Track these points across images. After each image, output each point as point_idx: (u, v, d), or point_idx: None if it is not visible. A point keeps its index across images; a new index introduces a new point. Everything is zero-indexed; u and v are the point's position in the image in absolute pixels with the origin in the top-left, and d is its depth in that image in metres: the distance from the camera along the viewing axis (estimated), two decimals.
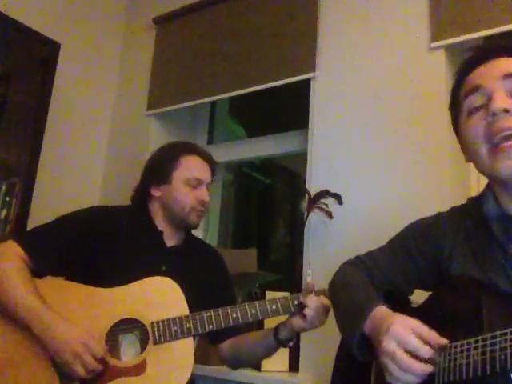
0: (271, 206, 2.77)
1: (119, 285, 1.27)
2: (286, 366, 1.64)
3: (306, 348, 1.63)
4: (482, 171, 0.85)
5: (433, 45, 1.56)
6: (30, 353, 1.20)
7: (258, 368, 1.62)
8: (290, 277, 1.89)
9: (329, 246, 1.65)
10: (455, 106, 0.92)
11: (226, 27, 2.14)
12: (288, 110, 2.34)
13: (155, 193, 1.45)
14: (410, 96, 1.61)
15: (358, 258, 1.08)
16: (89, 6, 2.39)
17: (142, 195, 1.49)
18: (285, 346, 1.33)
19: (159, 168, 1.46)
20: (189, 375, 1.23)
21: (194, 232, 1.57)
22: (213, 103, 2.52)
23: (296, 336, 1.34)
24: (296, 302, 1.25)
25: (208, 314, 1.25)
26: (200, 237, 2.24)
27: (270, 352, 1.39)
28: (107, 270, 1.31)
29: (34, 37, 2.04)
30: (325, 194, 1.64)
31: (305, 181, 1.79)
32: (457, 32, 1.52)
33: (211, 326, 1.24)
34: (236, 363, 1.47)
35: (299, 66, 1.87)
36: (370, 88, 1.71)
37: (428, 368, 0.75)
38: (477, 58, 0.88)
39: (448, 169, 1.48)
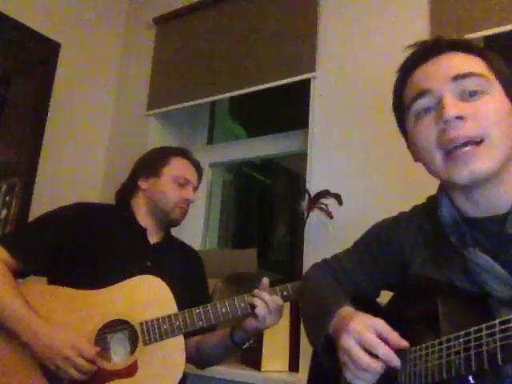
0: (271, 205, 2.77)
1: (105, 282, 1.26)
2: (285, 366, 1.64)
3: (306, 348, 1.62)
4: (436, 176, 0.82)
5: None
6: (19, 360, 1.18)
7: (257, 368, 1.62)
8: (290, 277, 1.88)
9: (329, 246, 1.64)
10: (399, 108, 0.88)
11: (226, 27, 2.14)
12: (288, 110, 2.34)
13: (142, 185, 1.48)
14: None
15: (324, 261, 1.08)
16: (89, 6, 2.38)
17: (127, 189, 1.52)
18: (241, 348, 1.33)
19: (150, 162, 1.52)
20: (181, 374, 1.22)
21: (195, 231, 1.57)
22: (213, 103, 2.51)
23: (253, 337, 1.33)
24: (245, 302, 1.25)
25: (197, 310, 1.24)
26: (200, 236, 2.25)
27: (229, 353, 1.40)
28: (92, 266, 1.30)
29: (34, 37, 2.04)
30: (325, 194, 1.64)
31: (305, 181, 1.79)
32: (457, 32, 1.52)
33: (201, 323, 1.24)
34: (200, 362, 1.45)
35: (299, 66, 1.87)
36: (370, 88, 1.71)
37: (383, 366, 0.75)
38: (421, 54, 0.84)
39: None
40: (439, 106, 0.77)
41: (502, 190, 0.77)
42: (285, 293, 1.27)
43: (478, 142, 0.74)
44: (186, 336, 1.37)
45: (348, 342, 0.76)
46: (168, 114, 2.29)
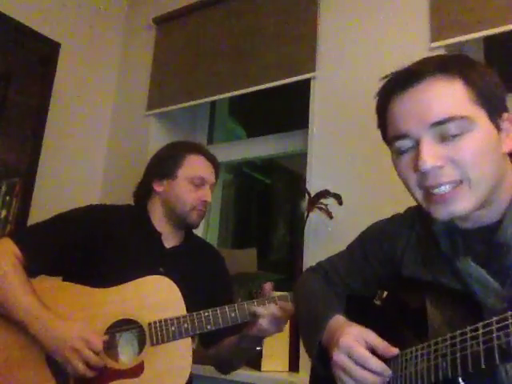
0: (271, 206, 2.77)
1: (116, 286, 1.25)
2: (286, 366, 1.64)
3: None
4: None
5: (433, 45, 1.56)
6: (26, 354, 1.19)
7: (258, 368, 1.62)
8: (290, 277, 1.88)
9: (329, 246, 1.64)
10: (384, 127, 0.89)
11: (226, 27, 2.14)
12: (288, 110, 2.34)
13: (158, 188, 1.43)
14: None
15: (319, 264, 1.09)
16: (89, 6, 2.39)
17: (143, 191, 1.47)
18: (251, 354, 1.33)
19: (164, 163, 1.45)
20: (187, 376, 1.22)
21: (194, 231, 1.56)
22: (213, 103, 2.52)
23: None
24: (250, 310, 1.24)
25: (206, 313, 1.23)
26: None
27: (243, 358, 1.39)
28: (104, 271, 1.29)
29: (34, 37, 2.04)
30: (325, 193, 1.64)
31: (305, 181, 1.79)
32: (457, 32, 1.52)
33: (209, 326, 1.23)
34: (221, 368, 1.45)
35: (299, 66, 1.87)
36: (370, 88, 1.70)
37: (379, 380, 0.75)
38: (398, 82, 0.84)
39: None
40: (417, 150, 0.76)
41: (491, 209, 0.78)
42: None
43: (457, 183, 0.74)
44: (210, 343, 1.39)
45: (340, 358, 0.77)
46: (168, 113, 2.29)
